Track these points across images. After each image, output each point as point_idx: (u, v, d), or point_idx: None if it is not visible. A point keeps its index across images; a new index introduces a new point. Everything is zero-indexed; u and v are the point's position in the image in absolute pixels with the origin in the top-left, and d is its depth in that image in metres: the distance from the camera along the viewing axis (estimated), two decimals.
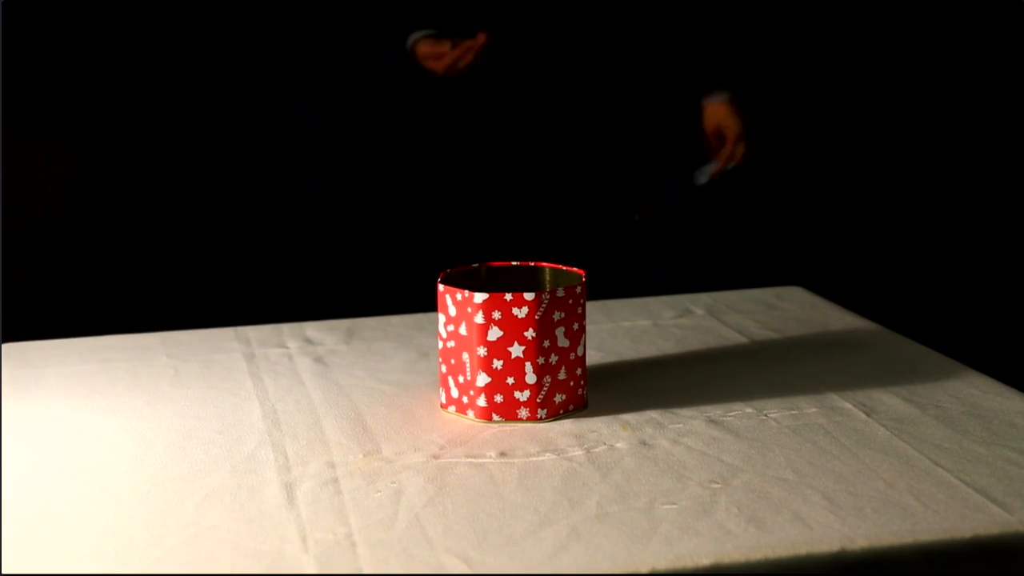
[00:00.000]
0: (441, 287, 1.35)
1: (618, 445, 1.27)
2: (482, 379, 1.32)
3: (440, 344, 1.36)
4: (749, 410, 1.36)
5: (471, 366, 1.33)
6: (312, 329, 1.67)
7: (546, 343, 1.32)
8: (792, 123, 2.86)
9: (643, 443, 1.27)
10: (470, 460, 1.24)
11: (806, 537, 1.06)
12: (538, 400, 1.33)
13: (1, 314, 1.81)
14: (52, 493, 1.17)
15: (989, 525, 1.08)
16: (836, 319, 1.71)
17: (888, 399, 1.39)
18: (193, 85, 2.16)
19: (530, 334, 1.31)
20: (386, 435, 1.30)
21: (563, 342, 1.34)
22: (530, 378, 1.32)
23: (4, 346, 1.60)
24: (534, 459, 1.24)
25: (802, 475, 1.19)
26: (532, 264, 1.45)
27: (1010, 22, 2.84)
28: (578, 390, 1.37)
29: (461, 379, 1.34)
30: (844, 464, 1.21)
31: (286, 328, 1.68)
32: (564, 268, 1.43)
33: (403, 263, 2.67)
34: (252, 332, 1.67)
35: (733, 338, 1.63)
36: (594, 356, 1.54)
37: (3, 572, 1.02)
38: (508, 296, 1.31)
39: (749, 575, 1.02)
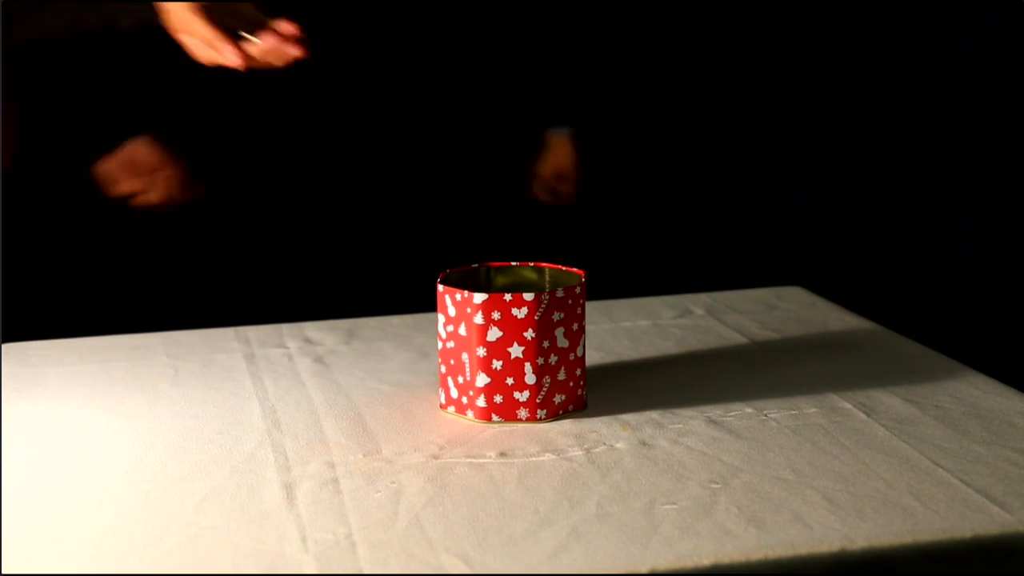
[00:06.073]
0: (441, 287, 1.35)
1: (618, 445, 1.27)
2: (481, 379, 1.32)
3: (440, 344, 1.36)
4: (749, 410, 1.36)
5: (470, 366, 1.33)
6: (312, 329, 1.68)
7: (546, 343, 1.32)
8: (792, 123, 2.86)
9: (643, 443, 1.27)
10: (470, 460, 1.24)
11: (806, 537, 1.06)
12: (538, 400, 1.33)
13: (1, 314, 1.81)
14: (52, 493, 1.17)
15: (989, 525, 1.08)
16: (836, 319, 1.71)
17: (888, 399, 1.39)
18: (191, 83, 2.16)
19: (529, 335, 1.31)
20: (386, 435, 1.30)
21: (563, 342, 1.34)
22: (529, 378, 1.32)
23: (4, 346, 1.60)
24: (534, 459, 1.24)
25: (802, 475, 1.19)
26: (532, 264, 1.45)
27: (1010, 21, 2.84)
28: (578, 390, 1.37)
29: (460, 379, 1.34)
30: (844, 464, 1.21)
31: (286, 328, 1.68)
32: (564, 268, 1.43)
33: (403, 263, 2.67)
34: (252, 332, 1.67)
35: (733, 338, 1.63)
36: (594, 356, 1.54)
37: (3, 572, 1.02)
38: (507, 296, 1.31)
39: (749, 575, 1.02)
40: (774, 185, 2.88)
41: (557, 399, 1.34)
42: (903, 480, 1.17)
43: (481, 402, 1.33)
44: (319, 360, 1.55)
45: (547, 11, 2.56)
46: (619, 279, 2.21)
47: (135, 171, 2.08)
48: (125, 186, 2.08)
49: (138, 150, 2.10)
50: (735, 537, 1.06)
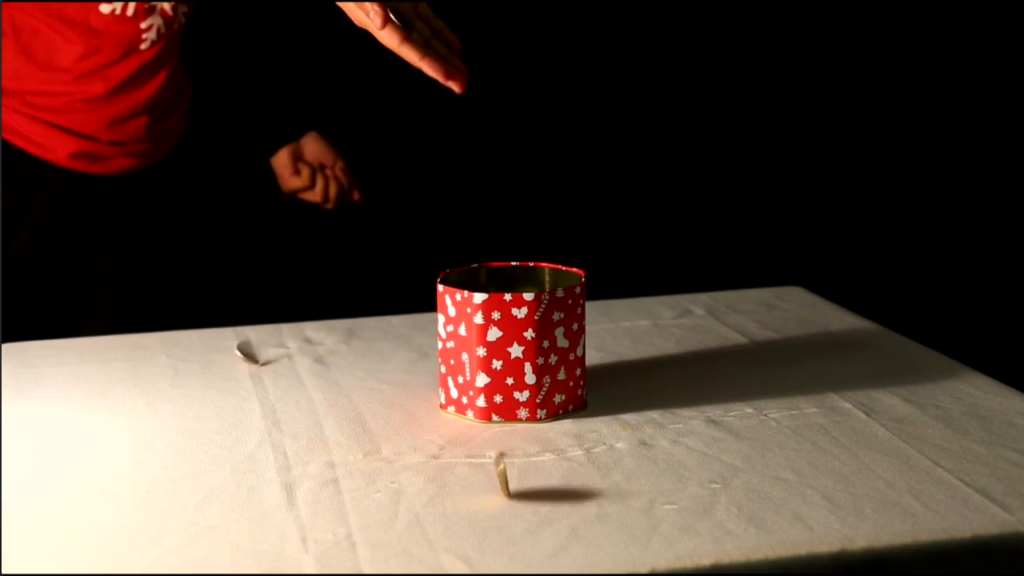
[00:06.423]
0: (441, 287, 1.35)
1: (618, 445, 1.27)
2: (481, 379, 1.32)
3: (440, 344, 1.36)
4: (749, 410, 1.36)
5: (470, 366, 1.33)
6: (312, 329, 1.68)
7: (545, 343, 1.32)
8: (791, 123, 2.86)
9: (643, 443, 1.27)
10: (470, 460, 1.24)
11: (806, 537, 1.06)
12: (538, 400, 1.33)
13: (1, 314, 1.81)
14: (52, 493, 1.17)
15: (989, 525, 1.08)
16: (836, 319, 1.71)
17: (888, 399, 1.39)
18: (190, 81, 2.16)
19: (529, 334, 1.31)
20: (386, 435, 1.30)
21: (563, 342, 1.34)
22: (529, 378, 1.32)
23: (4, 346, 1.60)
24: (534, 459, 1.24)
25: (802, 475, 1.19)
26: (532, 264, 1.45)
27: (1010, 21, 2.84)
28: (578, 390, 1.37)
29: (460, 379, 1.34)
30: (844, 464, 1.21)
31: (286, 328, 1.68)
32: (564, 268, 1.43)
33: (403, 263, 2.67)
34: (252, 332, 1.67)
35: (733, 338, 1.63)
36: (594, 356, 1.54)
37: (3, 572, 1.02)
38: (507, 296, 1.31)
39: (749, 575, 1.02)
40: (774, 185, 2.88)
41: (557, 399, 1.34)
42: (903, 480, 1.17)
43: (481, 402, 1.33)
44: (319, 360, 1.55)
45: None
46: (619, 279, 2.21)
47: (303, 166, 2.10)
48: (293, 182, 2.10)
49: (307, 146, 2.11)
50: (735, 537, 1.06)
